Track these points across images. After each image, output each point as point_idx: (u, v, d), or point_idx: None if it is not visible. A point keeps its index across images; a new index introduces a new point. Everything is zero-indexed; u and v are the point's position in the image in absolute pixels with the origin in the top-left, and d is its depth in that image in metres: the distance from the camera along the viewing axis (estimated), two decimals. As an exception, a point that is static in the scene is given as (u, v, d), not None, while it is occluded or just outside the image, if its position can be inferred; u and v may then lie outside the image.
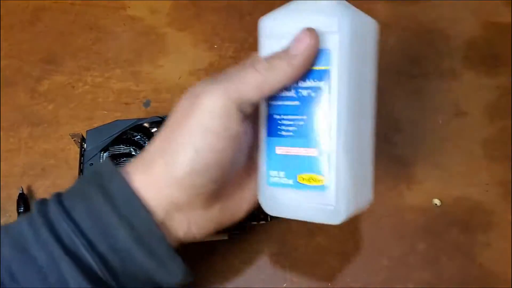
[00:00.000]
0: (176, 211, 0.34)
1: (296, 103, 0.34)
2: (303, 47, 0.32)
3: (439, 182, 0.48)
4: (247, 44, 0.54)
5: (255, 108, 0.35)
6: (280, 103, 0.35)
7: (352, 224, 0.46)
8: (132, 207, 0.32)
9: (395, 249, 0.45)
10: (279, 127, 0.35)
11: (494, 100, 0.51)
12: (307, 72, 0.33)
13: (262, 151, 0.36)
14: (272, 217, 0.45)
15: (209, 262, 0.45)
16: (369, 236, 0.46)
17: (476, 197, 0.47)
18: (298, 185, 0.35)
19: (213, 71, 0.53)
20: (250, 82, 0.32)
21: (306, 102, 0.34)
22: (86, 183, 0.34)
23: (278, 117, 0.35)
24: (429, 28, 0.54)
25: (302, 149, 0.34)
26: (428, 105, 0.51)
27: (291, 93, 0.34)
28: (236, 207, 0.38)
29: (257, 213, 0.44)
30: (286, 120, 0.35)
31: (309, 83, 0.34)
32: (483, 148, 0.49)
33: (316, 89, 0.33)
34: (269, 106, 0.35)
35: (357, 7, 0.34)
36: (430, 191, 0.47)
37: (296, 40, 0.32)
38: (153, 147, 0.34)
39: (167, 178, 0.33)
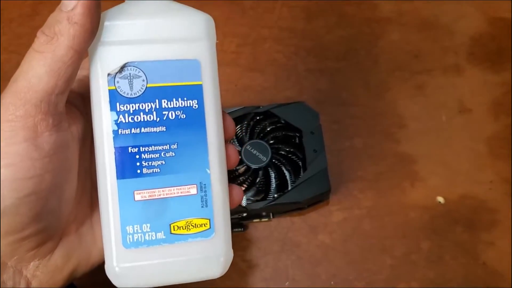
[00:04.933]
0: None
1: (161, 129, 0.28)
2: None
3: (443, 180, 0.47)
4: (249, 39, 0.53)
5: (81, 104, 0.29)
6: (135, 131, 0.27)
7: (355, 222, 0.45)
8: None
9: (399, 247, 0.45)
10: (137, 164, 0.27)
11: (499, 96, 0.51)
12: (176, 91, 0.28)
13: (108, 201, 0.28)
14: (274, 215, 0.45)
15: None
16: (372, 234, 0.45)
17: (481, 195, 0.47)
18: (173, 238, 0.28)
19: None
20: (36, 68, 0.26)
21: (175, 127, 0.28)
22: None
23: (134, 150, 0.27)
24: (433, 23, 0.54)
25: (174, 188, 0.28)
26: (432, 102, 0.51)
27: (152, 117, 0.28)
28: (88, 248, 0.31)
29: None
30: (148, 153, 0.28)
31: (177, 102, 0.28)
32: (487, 145, 0.49)
33: (187, 110, 0.28)
34: (116, 136, 0.27)
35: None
36: (434, 188, 0.47)
37: None
38: None
39: None
